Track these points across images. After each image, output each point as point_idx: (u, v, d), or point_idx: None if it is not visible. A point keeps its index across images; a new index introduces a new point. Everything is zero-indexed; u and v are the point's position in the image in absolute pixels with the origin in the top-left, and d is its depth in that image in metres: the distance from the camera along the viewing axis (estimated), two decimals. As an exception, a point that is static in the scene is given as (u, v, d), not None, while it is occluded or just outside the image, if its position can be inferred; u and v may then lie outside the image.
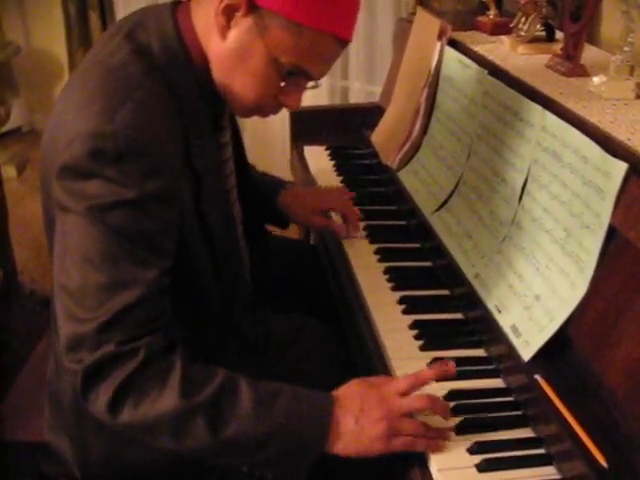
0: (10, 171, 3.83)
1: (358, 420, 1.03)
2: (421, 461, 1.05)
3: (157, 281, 1.05)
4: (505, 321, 1.23)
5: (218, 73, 1.15)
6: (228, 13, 1.09)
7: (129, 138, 1.02)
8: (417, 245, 1.60)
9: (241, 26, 1.09)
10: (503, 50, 1.75)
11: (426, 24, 1.77)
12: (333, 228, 1.62)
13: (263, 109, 1.20)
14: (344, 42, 1.13)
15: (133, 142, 1.03)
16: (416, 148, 1.74)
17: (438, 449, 1.05)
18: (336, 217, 1.67)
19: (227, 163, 1.34)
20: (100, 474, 1.27)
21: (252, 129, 3.33)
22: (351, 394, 1.07)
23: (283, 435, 1.02)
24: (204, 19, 1.14)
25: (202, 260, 1.19)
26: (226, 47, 1.11)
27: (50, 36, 4.11)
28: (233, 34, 1.10)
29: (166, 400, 1.00)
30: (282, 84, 1.14)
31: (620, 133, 1.19)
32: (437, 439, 1.06)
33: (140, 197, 1.03)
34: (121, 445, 1.21)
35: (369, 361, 1.28)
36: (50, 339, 1.45)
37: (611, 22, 1.79)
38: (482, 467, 1.02)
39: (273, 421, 1.01)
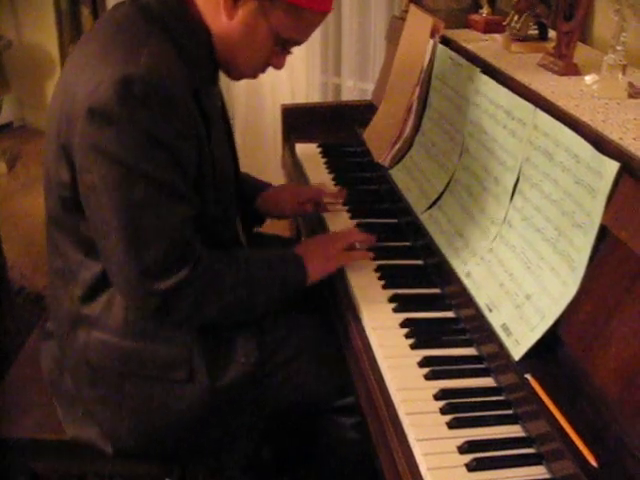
0: (0, 167, 3.81)
1: (314, 255, 1.40)
2: (410, 462, 1.05)
3: (194, 210, 1.21)
4: (496, 320, 1.22)
5: (222, 46, 1.26)
6: None
7: (154, 79, 1.12)
8: (408, 243, 1.60)
9: (247, 8, 1.20)
10: (496, 48, 1.75)
11: (419, 22, 1.77)
12: (309, 209, 1.73)
13: (256, 73, 1.34)
14: (327, 13, 1.29)
15: (157, 83, 1.12)
16: (408, 146, 1.74)
17: (367, 256, 1.48)
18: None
19: None
20: (134, 445, 1.34)
21: (243, 126, 3.32)
22: (305, 244, 1.46)
23: (283, 279, 1.35)
24: None
25: (211, 206, 1.29)
26: (232, 25, 1.22)
27: (41, 31, 4.09)
28: (239, 14, 1.21)
29: (226, 291, 1.26)
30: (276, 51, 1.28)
31: (612, 132, 1.19)
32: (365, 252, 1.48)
33: (168, 136, 1.14)
34: (147, 409, 1.31)
35: (359, 360, 1.28)
36: (45, 334, 1.45)
37: (604, 21, 1.79)
38: (472, 466, 1.02)
39: (275, 275, 1.34)
